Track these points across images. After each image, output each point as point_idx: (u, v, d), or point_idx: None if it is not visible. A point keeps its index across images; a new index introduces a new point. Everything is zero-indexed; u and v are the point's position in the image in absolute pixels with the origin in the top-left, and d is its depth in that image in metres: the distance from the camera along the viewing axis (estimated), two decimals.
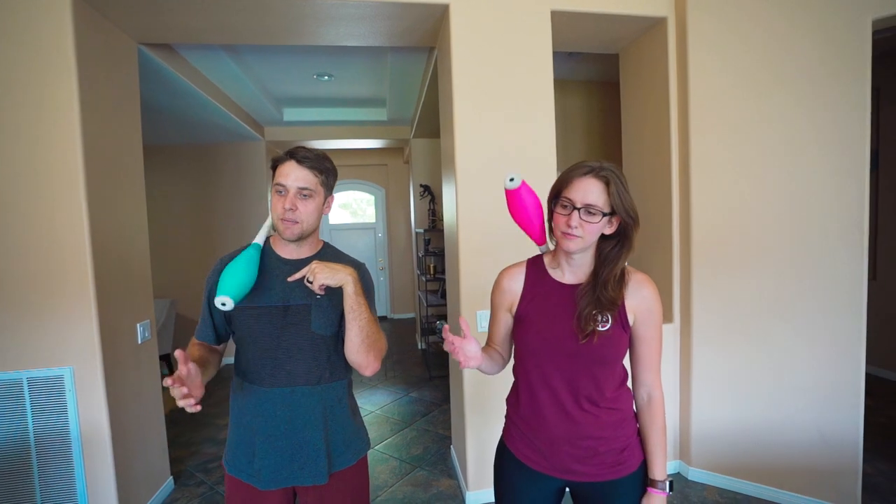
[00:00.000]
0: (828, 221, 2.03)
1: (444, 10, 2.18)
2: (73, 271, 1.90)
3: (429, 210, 4.84)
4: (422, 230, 4.68)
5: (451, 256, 2.45)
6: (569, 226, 0.97)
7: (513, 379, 1.18)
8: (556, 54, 2.48)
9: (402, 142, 5.31)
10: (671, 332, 2.44)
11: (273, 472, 1.13)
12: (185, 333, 4.46)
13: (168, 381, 0.87)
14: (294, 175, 1.11)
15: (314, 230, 1.19)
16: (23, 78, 1.84)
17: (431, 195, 4.82)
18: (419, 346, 5.27)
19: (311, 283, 1.04)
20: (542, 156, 2.25)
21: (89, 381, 1.93)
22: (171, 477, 2.51)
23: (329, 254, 1.25)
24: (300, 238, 1.15)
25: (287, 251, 1.20)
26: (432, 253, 4.46)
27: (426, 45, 2.66)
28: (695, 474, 2.39)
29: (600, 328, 0.99)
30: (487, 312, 2.23)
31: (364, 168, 6.75)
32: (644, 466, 1.08)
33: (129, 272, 2.22)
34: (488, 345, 1.20)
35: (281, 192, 1.12)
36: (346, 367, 1.24)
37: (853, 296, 1.98)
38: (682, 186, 2.37)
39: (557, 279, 1.08)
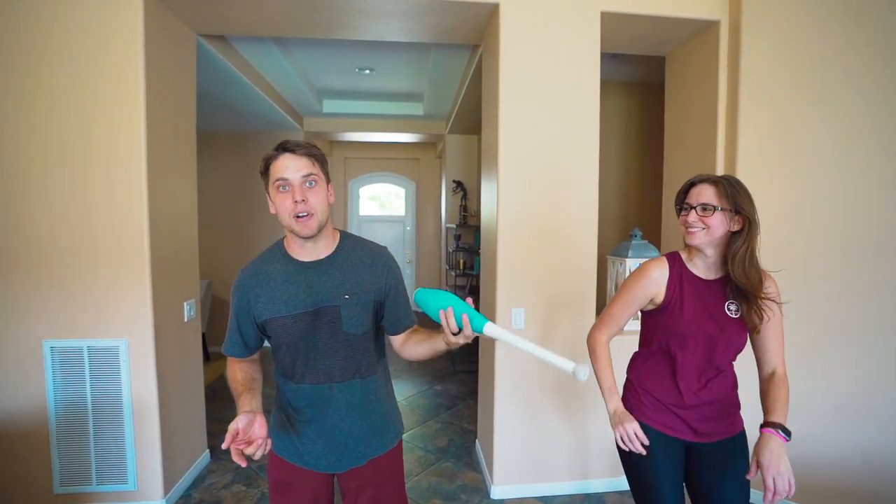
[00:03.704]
0: (880, 236, 1.96)
1: (494, 8, 2.20)
2: (132, 250, 2.01)
3: (460, 206, 4.87)
4: (453, 226, 4.71)
5: (488, 252, 2.47)
6: (688, 223, 1.18)
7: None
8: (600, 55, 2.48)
9: (435, 137, 5.35)
10: None
11: (315, 458, 1.18)
12: (220, 314, 4.64)
13: (226, 446, 0.94)
14: (293, 165, 1.05)
15: (328, 221, 1.12)
16: (94, 66, 1.95)
17: (464, 191, 4.84)
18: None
19: None
20: (586, 154, 2.25)
21: (142, 354, 2.05)
22: (207, 450, 2.63)
23: (349, 245, 1.18)
24: (318, 231, 1.08)
25: (304, 253, 1.13)
26: (462, 249, 4.50)
27: (471, 42, 2.68)
28: None
29: (734, 316, 1.20)
30: (523, 310, 2.25)
31: (396, 161, 6.82)
32: (743, 433, 1.28)
33: (180, 253, 2.33)
34: (603, 328, 1.35)
35: (284, 188, 1.05)
36: (380, 360, 1.24)
37: None
38: None
39: (696, 274, 1.25)
